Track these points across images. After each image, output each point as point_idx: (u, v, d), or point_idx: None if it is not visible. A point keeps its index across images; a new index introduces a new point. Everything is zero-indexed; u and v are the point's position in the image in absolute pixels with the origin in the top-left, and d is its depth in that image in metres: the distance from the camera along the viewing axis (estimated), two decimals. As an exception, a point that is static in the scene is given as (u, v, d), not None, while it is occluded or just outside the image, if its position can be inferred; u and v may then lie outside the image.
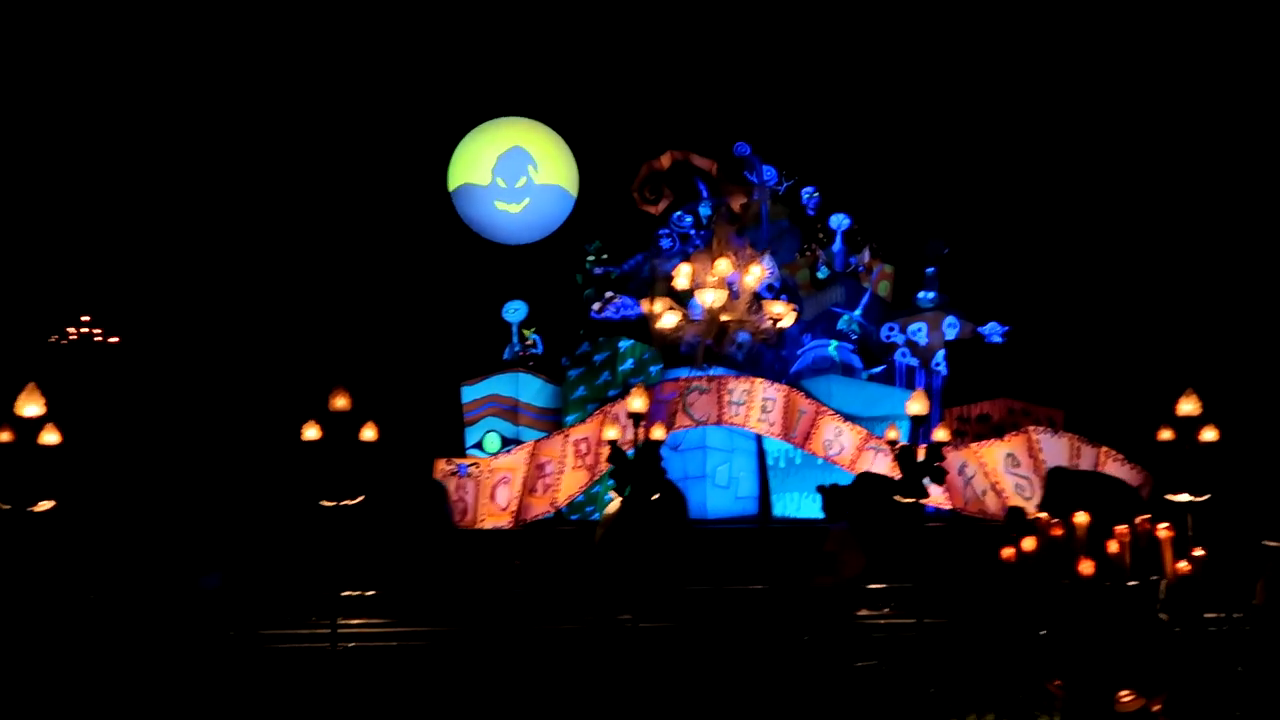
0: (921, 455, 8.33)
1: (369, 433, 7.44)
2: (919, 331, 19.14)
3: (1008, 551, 5.21)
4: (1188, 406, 7.74)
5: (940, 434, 8.98)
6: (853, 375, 17.58)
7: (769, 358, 18.24)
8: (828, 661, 6.85)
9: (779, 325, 12.01)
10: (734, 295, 12.39)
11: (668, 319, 11.99)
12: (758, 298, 16.96)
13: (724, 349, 12.82)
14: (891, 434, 9.30)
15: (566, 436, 15.70)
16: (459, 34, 19.68)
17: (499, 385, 16.50)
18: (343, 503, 7.07)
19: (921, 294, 19.63)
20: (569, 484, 15.62)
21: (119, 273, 17.43)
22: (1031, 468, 16.29)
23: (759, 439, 16.95)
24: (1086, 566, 4.85)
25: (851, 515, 8.81)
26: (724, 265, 11.55)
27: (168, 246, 17.76)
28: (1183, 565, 5.19)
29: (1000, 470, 16.28)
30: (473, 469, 15.38)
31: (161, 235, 17.80)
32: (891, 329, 19.25)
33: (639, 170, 20.11)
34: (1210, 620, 7.94)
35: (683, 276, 11.92)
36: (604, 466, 16.01)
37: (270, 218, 18.22)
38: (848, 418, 16.45)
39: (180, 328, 17.28)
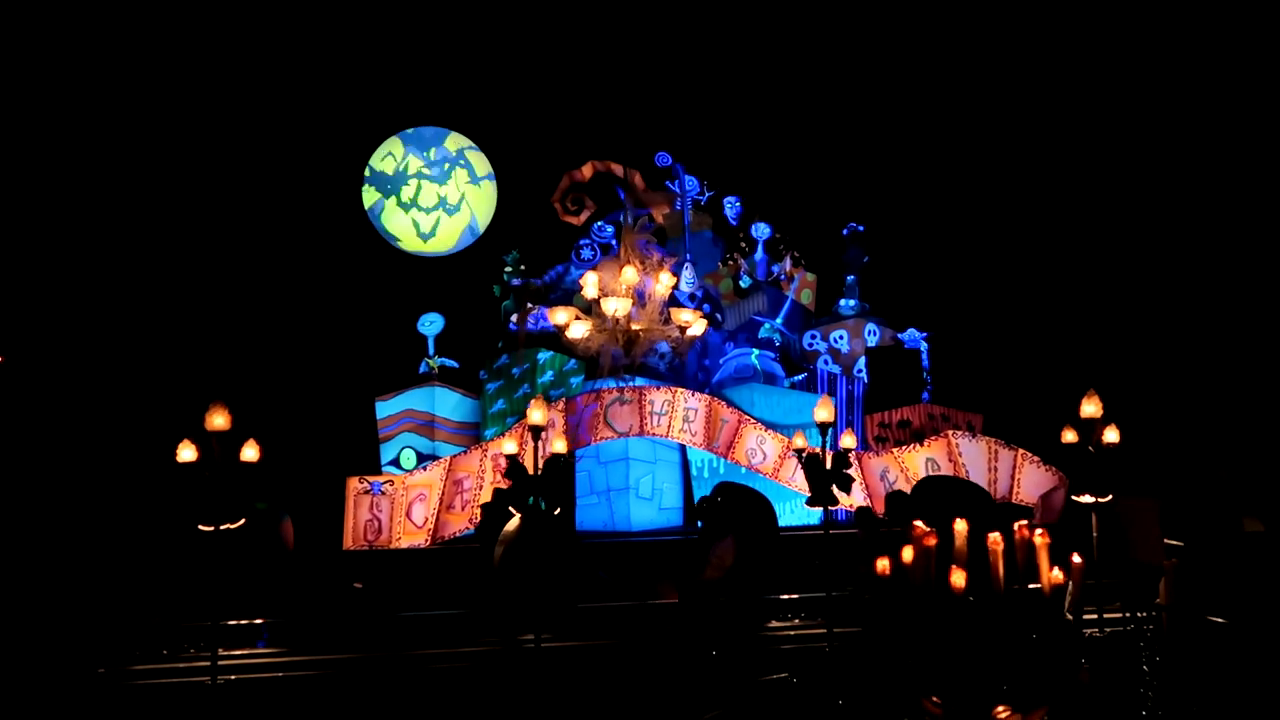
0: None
1: (250, 452, 7.04)
2: (841, 339, 19.28)
3: (882, 563, 5.07)
4: (1090, 408, 7.77)
5: (846, 440, 8.90)
6: (775, 383, 17.57)
7: (692, 368, 18.15)
8: (735, 676, 6.65)
9: (689, 333, 11.87)
10: (642, 303, 12.23)
11: (576, 329, 11.77)
12: (672, 305, 16.88)
13: (634, 358, 12.64)
14: (799, 441, 9.20)
15: (485, 451, 15.32)
16: (372, 37, 19.20)
17: (414, 400, 16.06)
18: (222, 526, 6.66)
19: (843, 302, 19.77)
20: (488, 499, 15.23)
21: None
22: (951, 472, 16.48)
23: (683, 449, 16.82)
24: (958, 578, 4.73)
25: (735, 527, 8.69)
26: (630, 273, 11.39)
27: (52, 252, 16.84)
28: (1055, 574, 5.11)
29: (922, 474, 16.35)
30: (387, 486, 14.92)
31: (44, 239, 16.87)
32: (814, 337, 19.34)
33: (559, 180, 19.92)
34: (1114, 622, 7.97)
35: (590, 285, 11.72)
36: (524, 481, 15.75)
37: (170, 224, 17.43)
38: (770, 426, 16.42)
39: (66, 342, 16.38)
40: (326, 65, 18.34)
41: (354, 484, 15.02)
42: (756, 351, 17.80)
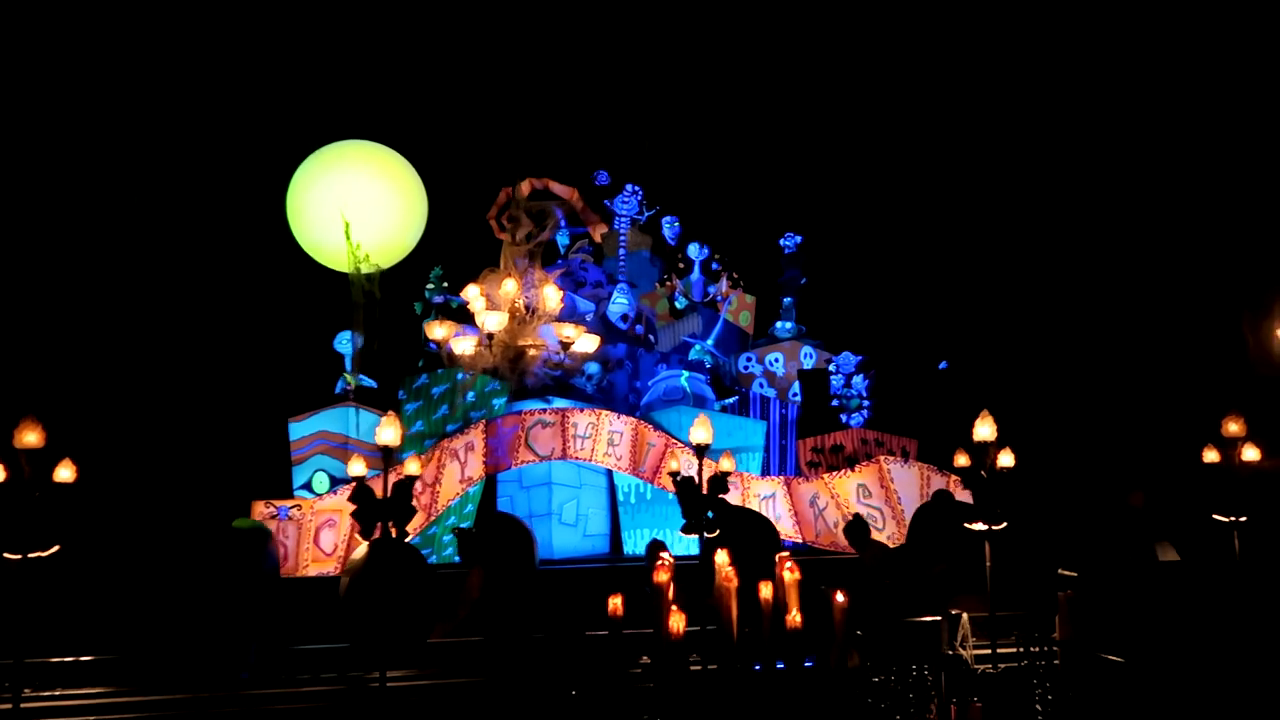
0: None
1: (65, 472, 6.47)
2: (776, 362, 18.93)
3: (614, 602, 4.63)
4: (983, 430, 7.40)
5: (725, 463, 8.48)
6: (705, 406, 17.13)
7: (623, 389, 17.70)
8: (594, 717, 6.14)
9: (574, 349, 11.37)
10: (529, 318, 11.77)
11: (463, 345, 11.23)
12: (603, 325, 16.48)
13: (514, 374, 12.12)
14: (673, 464, 8.75)
15: (398, 475, 14.70)
16: (301, 49, 18.71)
17: (328, 421, 15.40)
18: (30, 555, 6.09)
19: (779, 324, 19.45)
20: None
21: None
22: (883, 498, 16.17)
23: (610, 474, 16.32)
24: (677, 621, 4.29)
25: (486, 558, 8.21)
26: (510, 286, 10.90)
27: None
28: (793, 617, 4.69)
29: (852, 501, 16.07)
30: (294, 511, 14.28)
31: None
32: (749, 359, 18.97)
33: (495, 197, 19.50)
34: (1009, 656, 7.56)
35: (473, 299, 11.20)
36: (440, 507, 15.15)
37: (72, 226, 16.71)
38: (698, 450, 15.98)
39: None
40: (252, 76, 17.82)
41: (260, 508, 14.36)
42: (686, 373, 17.36)
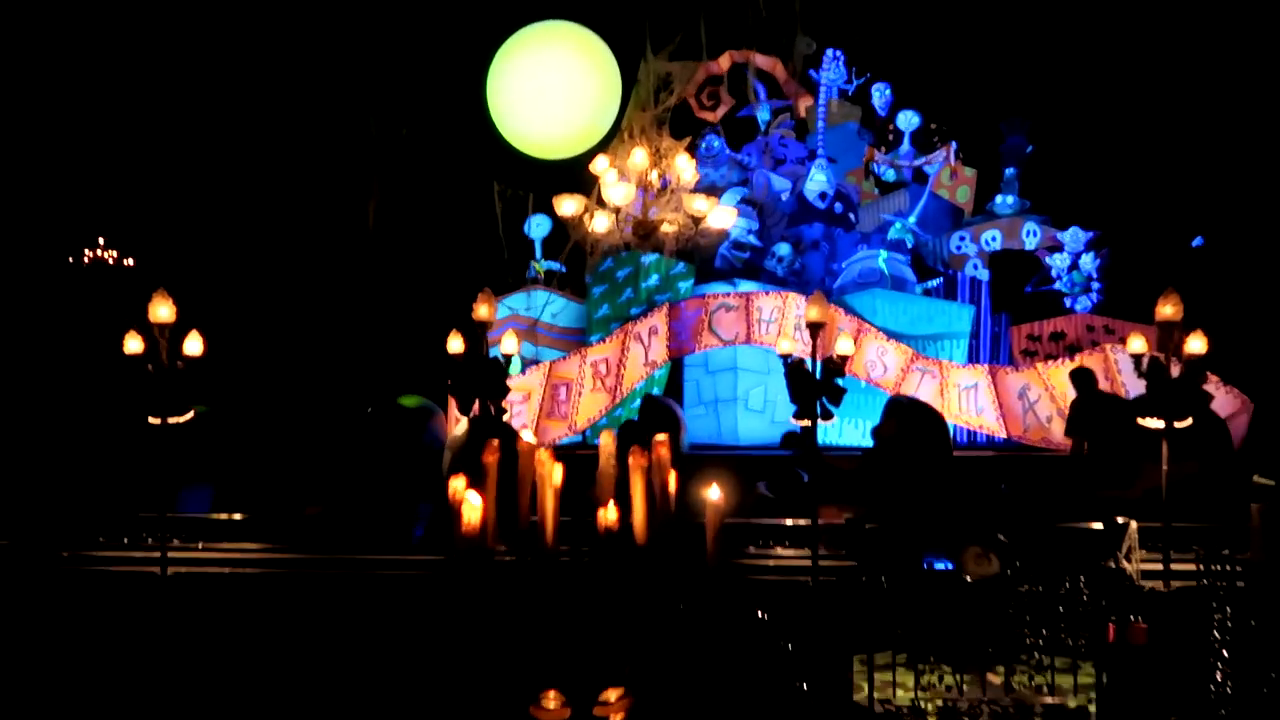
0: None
1: (193, 344, 6.89)
2: (994, 241, 17.22)
3: (456, 483, 4.11)
4: (1167, 309, 6.18)
5: (843, 345, 7.69)
6: (904, 289, 15.93)
7: (819, 272, 16.82)
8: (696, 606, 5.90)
9: (708, 224, 10.62)
10: (663, 189, 11.11)
11: (599, 222, 10.82)
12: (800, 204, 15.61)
13: (646, 248, 11.55)
14: (785, 345, 8.05)
15: (584, 357, 14.94)
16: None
17: (518, 303, 15.82)
18: (169, 420, 6.62)
19: (998, 199, 17.59)
20: (587, 406, 14.89)
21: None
22: (1109, 391, 14.46)
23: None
24: (470, 511, 3.70)
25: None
26: (640, 157, 10.27)
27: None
28: (607, 516, 3.98)
29: (1070, 393, 14.46)
30: (483, 390, 14.87)
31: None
32: (963, 238, 17.38)
33: (695, 75, 18.81)
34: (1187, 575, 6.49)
35: (604, 173, 10.66)
36: (625, 390, 15.25)
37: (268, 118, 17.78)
38: (894, 336, 14.98)
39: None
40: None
41: (453, 386, 15.15)
42: (885, 254, 16.13)
